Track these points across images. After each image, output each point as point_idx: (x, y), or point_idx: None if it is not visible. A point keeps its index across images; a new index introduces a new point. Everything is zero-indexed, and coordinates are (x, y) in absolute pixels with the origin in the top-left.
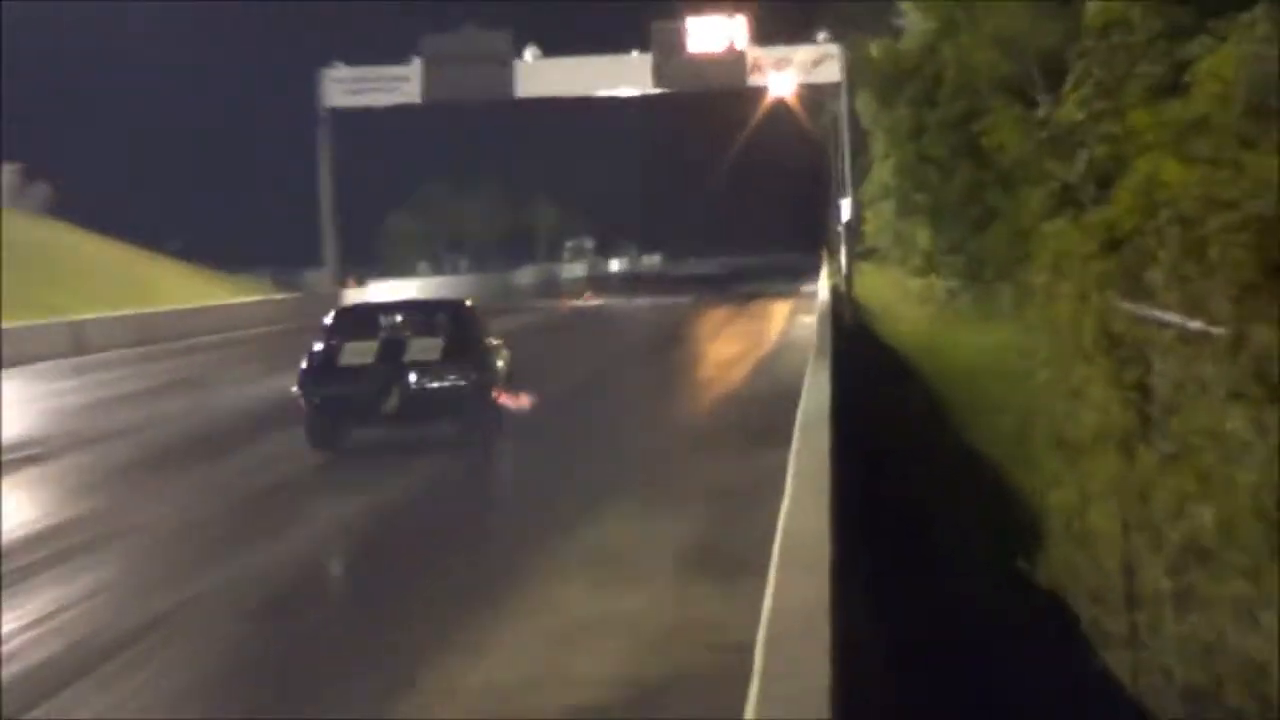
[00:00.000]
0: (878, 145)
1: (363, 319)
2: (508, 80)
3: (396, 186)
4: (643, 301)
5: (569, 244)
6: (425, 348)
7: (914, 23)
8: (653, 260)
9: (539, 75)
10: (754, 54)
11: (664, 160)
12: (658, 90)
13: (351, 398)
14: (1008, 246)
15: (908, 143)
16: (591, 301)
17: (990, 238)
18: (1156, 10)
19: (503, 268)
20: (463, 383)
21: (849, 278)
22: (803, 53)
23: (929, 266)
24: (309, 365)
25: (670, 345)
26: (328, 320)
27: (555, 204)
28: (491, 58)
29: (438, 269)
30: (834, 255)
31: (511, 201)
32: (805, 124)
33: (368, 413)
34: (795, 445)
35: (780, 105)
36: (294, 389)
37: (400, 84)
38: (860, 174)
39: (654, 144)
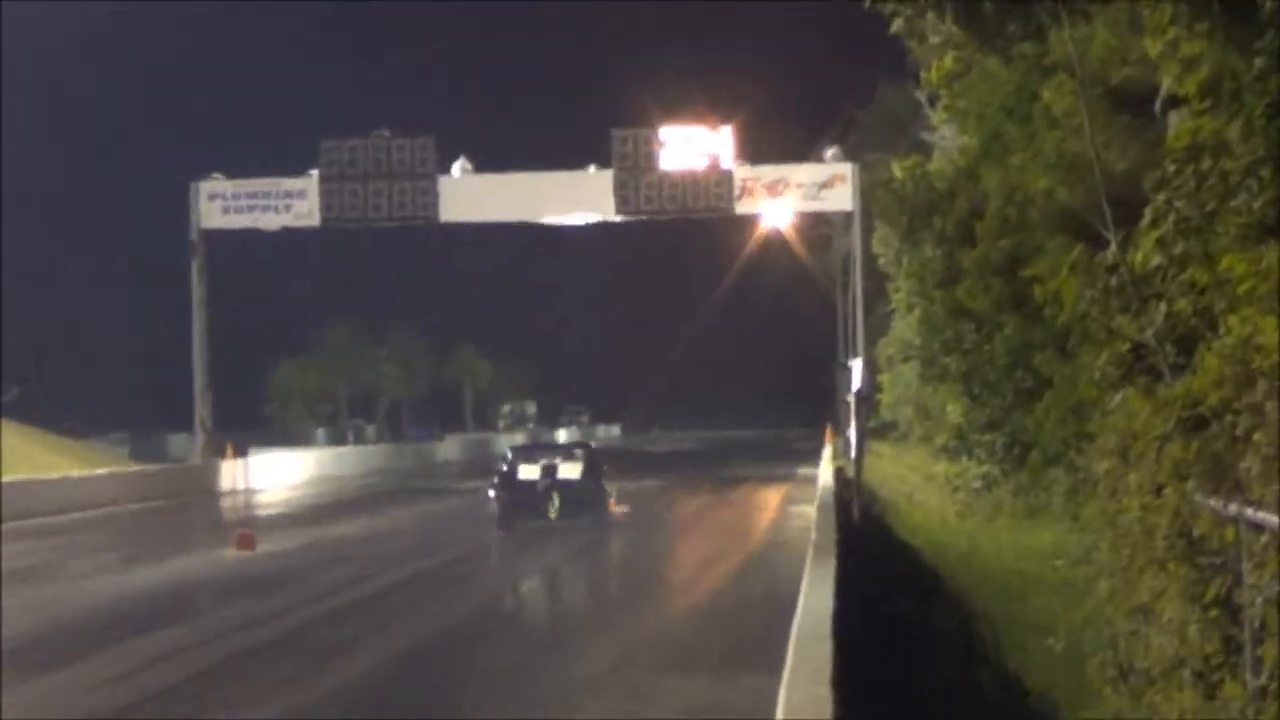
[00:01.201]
0: (899, 293)
1: (530, 450)
2: (430, 200)
3: (288, 331)
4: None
5: (506, 408)
6: (570, 470)
7: (949, 139)
8: (611, 432)
9: (469, 195)
10: (744, 174)
11: (627, 307)
12: (620, 218)
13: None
14: (1061, 424)
15: (938, 290)
16: None
17: (1039, 413)
18: (1259, 129)
19: (424, 437)
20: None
21: (859, 459)
22: (805, 173)
23: (961, 447)
24: (500, 480)
25: (633, 542)
26: (508, 453)
27: (488, 357)
28: (409, 172)
29: (338, 437)
30: (840, 431)
31: (433, 352)
32: (807, 264)
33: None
34: (788, 673)
35: (776, 239)
36: (490, 493)
37: (293, 201)
38: (876, 329)
39: (615, 286)
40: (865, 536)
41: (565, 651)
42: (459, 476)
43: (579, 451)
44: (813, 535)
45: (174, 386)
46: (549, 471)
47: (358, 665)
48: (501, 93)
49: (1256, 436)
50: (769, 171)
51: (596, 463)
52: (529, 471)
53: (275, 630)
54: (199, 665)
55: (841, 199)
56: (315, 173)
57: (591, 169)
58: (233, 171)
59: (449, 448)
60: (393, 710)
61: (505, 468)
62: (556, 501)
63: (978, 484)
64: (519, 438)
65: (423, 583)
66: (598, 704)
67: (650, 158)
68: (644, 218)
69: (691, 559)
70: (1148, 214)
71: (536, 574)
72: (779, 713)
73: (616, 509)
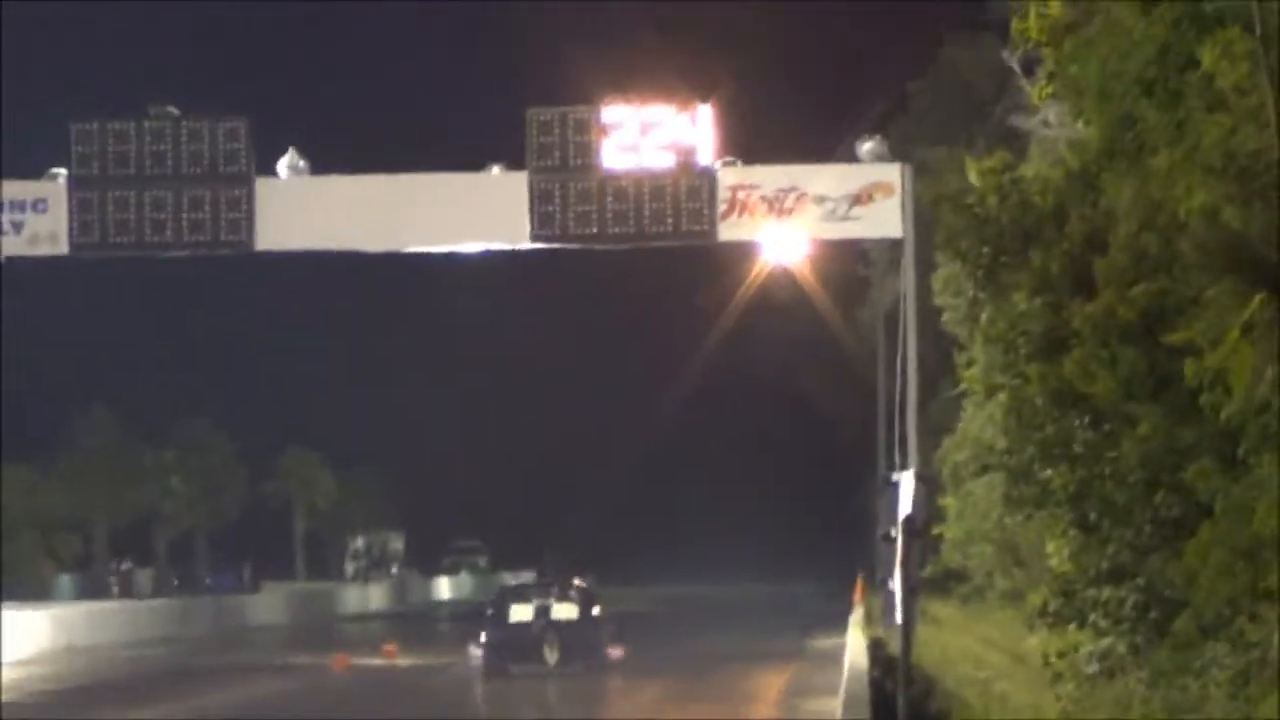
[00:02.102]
0: (974, 368)
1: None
2: (241, 216)
3: (16, 424)
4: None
5: (358, 544)
6: (566, 610)
7: (1055, 126)
8: (524, 579)
9: (303, 209)
10: (732, 179)
11: (549, 389)
12: (538, 245)
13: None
14: (1226, 574)
15: (1035, 364)
16: (396, 659)
17: (1192, 556)
18: None
19: (228, 586)
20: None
21: (909, 628)
22: (829, 178)
23: (1069, 609)
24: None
25: None
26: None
27: (331, 466)
28: (209, 172)
29: (94, 588)
30: (879, 582)
31: (246, 458)
32: (831, 322)
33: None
34: None
35: (782, 282)
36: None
37: (28, 217)
38: (938, 424)
39: (528, 356)
40: None
41: None
42: (285, 646)
43: (574, 591)
44: None
45: None
46: (543, 612)
47: None
48: (356, 55)
49: None
50: (772, 175)
51: (593, 600)
52: (521, 613)
53: None
54: None
55: (885, 220)
56: (62, 173)
57: (495, 170)
58: None
59: (268, 603)
60: None
61: (492, 610)
62: (554, 645)
63: (1095, 667)
64: (377, 590)
65: None
66: None
67: (587, 153)
68: (575, 247)
69: None
70: None
71: None
72: None
73: (614, 652)
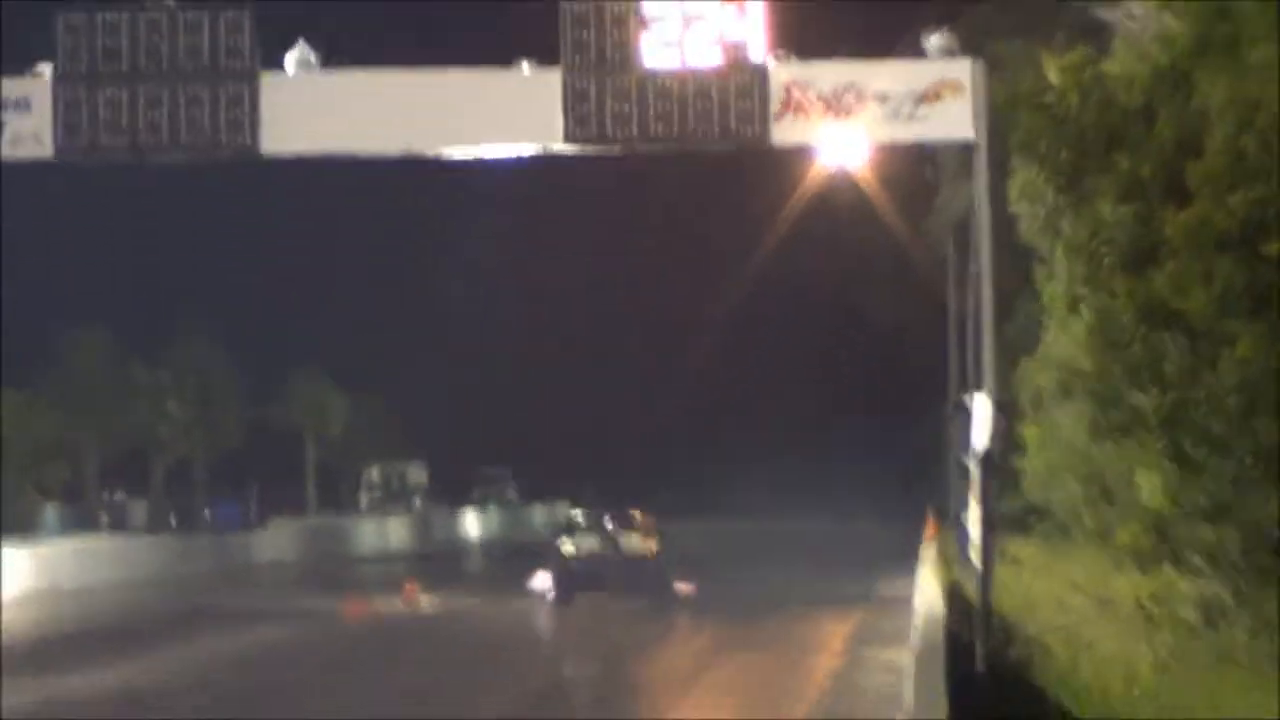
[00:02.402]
0: (1054, 283)
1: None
2: (245, 116)
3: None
4: (527, 605)
5: (373, 474)
6: (632, 540)
7: (1141, 17)
8: (559, 513)
9: (313, 107)
10: (787, 76)
11: (586, 308)
12: (573, 150)
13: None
14: None
15: (1122, 278)
16: (418, 602)
17: None
18: None
19: (231, 520)
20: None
21: (987, 569)
22: (892, 75)
23: (1163, 549)
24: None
25: (584, 708)
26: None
27: (344, 388)
28: (209, 68)
29: (85, 521)
30: (953, 519)
31: (249, 380)
32: (896, 232)
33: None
34: None
35: (843, 189)
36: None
37: (14, 117)
38: (1015, 344)
39: (564, 270)
40: (998, 703)
41: None
42: (293, 587)
43: (639, 523)
44: (906, 702)
45: None
46: (611, 544)
47: None
48: None
49: None
50: (830, 72)
51: (657, 533)
52: (589, 544)
53: None
54: None
55: (955, 121)
56: (47, 69)
57: (525, 67)
58: None
59: (276, 539)
60: None
61: (558, 540)
62: (622, 578)
63: (1192, 614)
64: (396, 522)
65: None
66: None
67: (625, 49)
68: (614, 150)
69: None
70: None
71: None
72: None
73: (684, 587)
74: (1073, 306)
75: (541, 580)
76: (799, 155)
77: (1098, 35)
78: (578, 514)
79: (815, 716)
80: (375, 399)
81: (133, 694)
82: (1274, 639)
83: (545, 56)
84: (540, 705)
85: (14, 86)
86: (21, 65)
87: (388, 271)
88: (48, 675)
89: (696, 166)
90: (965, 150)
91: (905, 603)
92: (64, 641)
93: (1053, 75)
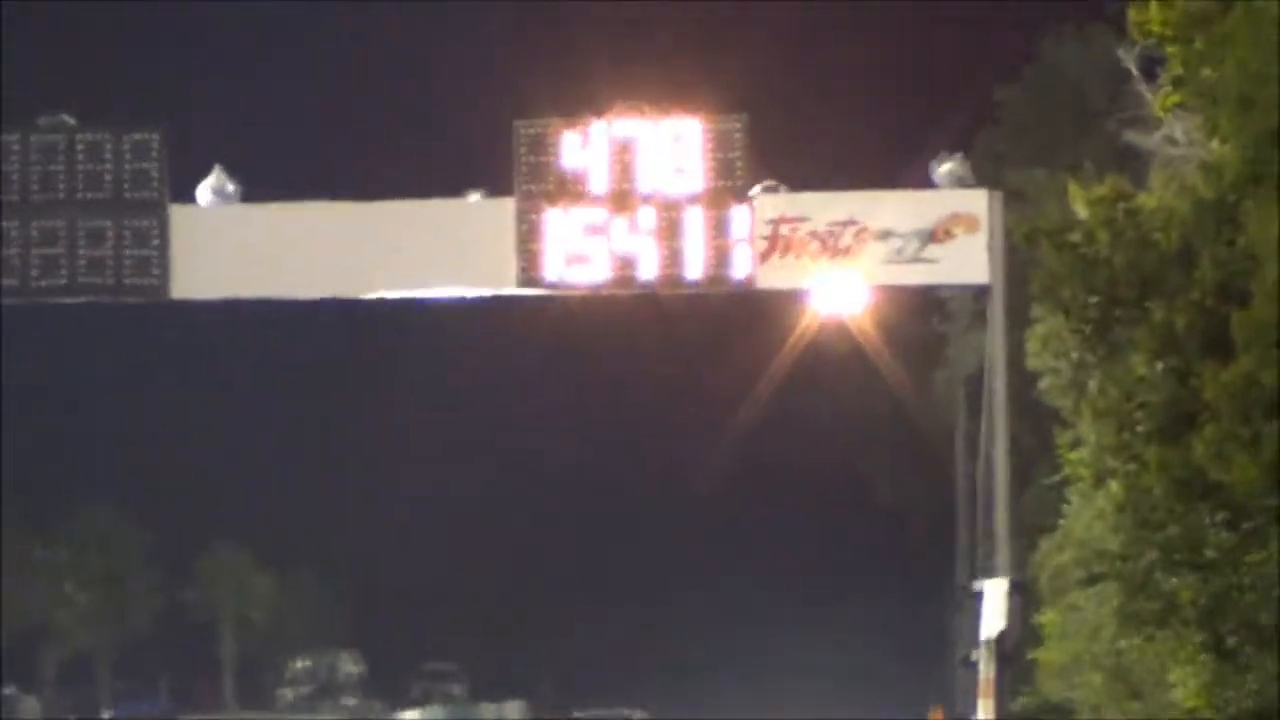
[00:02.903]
0: (1079, 450)
1: None
2: (153, 254)
3: None
4: None
5: (299, 665)
6: None
7: (1184, 142)
8: (509, 713)
9: (230, 244)
10: (774, 209)
11: (547, 478)
12: (527, 292)
13: None
14: None
15: (1155, 445)
16: None
17: None
18: None
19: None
20: None
21: None
22: (896, 209)
23: None
24: None
25: None
26: None
27: (269, 567)
28: (115, 196)
29: None
30: (961, 716)
31: (161, 555)
32: (898, 390)
33: None
34: None
35: (838, 340)
36: None
37: None
38: (1033, 519)
39: (521, 432)
40: None
41: None
42: None
43: None
44: None
45: None
46: None
47: None
48: (296, 59)
49: None
50: (824, 205)
51: None
52: None
53: None
54: None
55: (967, 261)
56: None
57: (474, 197)
58: None
59: None
60: None
61: None
62: None
63: None
64: None
65: None
66: None
67: (588, 176)
68: (575, 295)
69: None
70: None
71: None
72: None
73: None
74: (1100, 477)
75: None
76: (789, 301)
77: (1132, 164)
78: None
79: None
80: (304, 578)
81: None
82: None
83: (497, 182)
84: None
85: None
86: None
87: (319, 432)
88: None
89: (674, 310)
90: (979, 296)
91: None
92: None
93: (1080, 209)
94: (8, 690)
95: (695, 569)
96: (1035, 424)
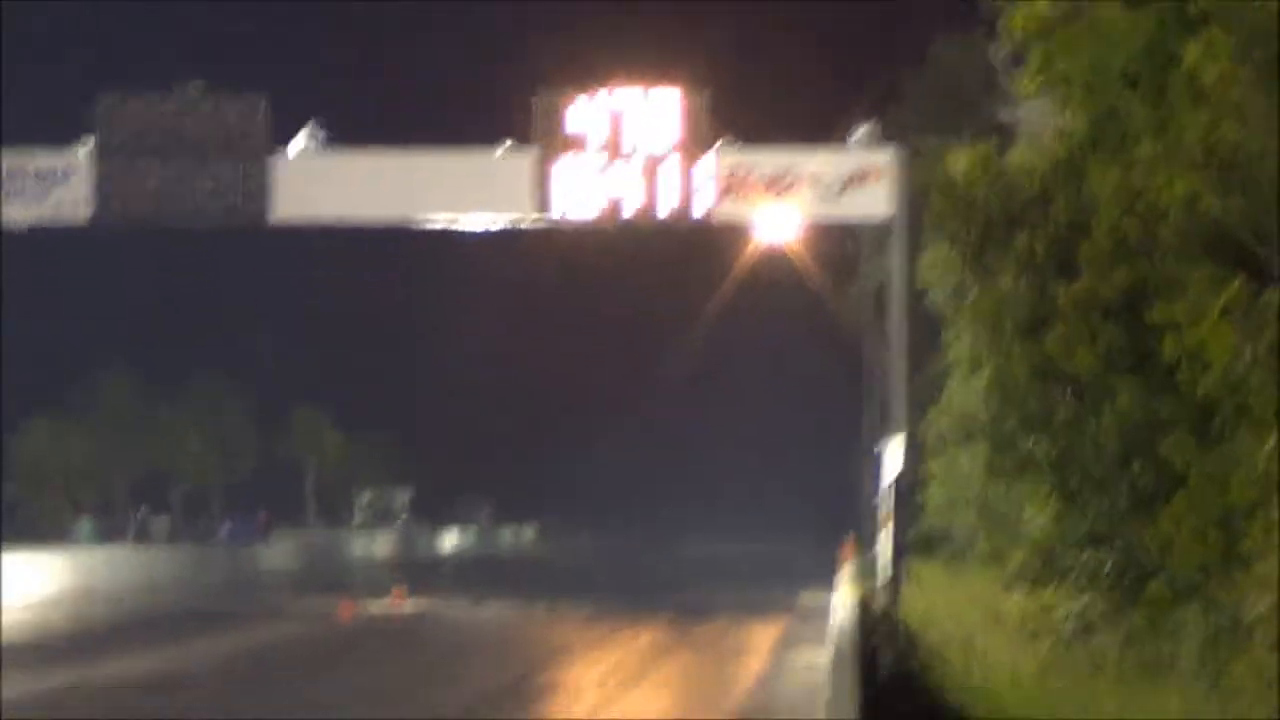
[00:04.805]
0: (959, 343)
1: None
2: (258, 188)
3: (41, 380)
4: (497, 610)
5: (365, 497)
6: None
7: (1040, 119)
8: (523, 535)
9: (318, 182)
10: (730, 161)
11: (550, 357)
12: (543, 222)
13: None
14: (1198, 540)
15: (1019, 340)
16: (403, 606)
17: (1166, 523)
18: None
19: (243, 535)
20: None
21: (894, 586)
22: (823, 162)
23: (1047, 571)
24: None
25: (538, 699)
26: None
27: (341, 426)
28: (229, 145)
29: (113, 534)
30: (867, 544)
31: (259, 418)
32: (823, 299)
33: None
34: None
35: (777, 262)
36: None
37: (54, 186)
38: (923, 396)
39: (533, 325)
40: (901, 703)
41: None
42: (294, 592)
43: None
44: (822, 700)
45: None
46: None
47: None
48: (375, 38)
49: None
50: (768, 159)
51: None
52: None
53: None
54: None
55: (876, 202)
56: (89, 143)
57: (499, 152)
58: None
59: (280, 552)
60: None
61: None
62: None
63: (1071, 626)
64: (384, 538)
65: None
66: None
67: (590, 133)
68: (579, 223)
69: None
70: None
71: None
72: None
73: None
74: (975, 364)
75: None
76: (737, 233)
77: (1003, 134)
78: None
79: (743, 714)
80: (369, 433)
81: (156, 680)
82: (1139, 649)
83: (522, 135)
84: (500, 699)
85: (56, 159)
86: (61, 140)
87: (380, 326)
88: (82, 665)
89: (648, 236)
90: (884, 228)
91: (826, 613)
92: (95, 636)
93: (962, 164)
94: (143, 512)
95: (665, 434)
96: (926, 325)
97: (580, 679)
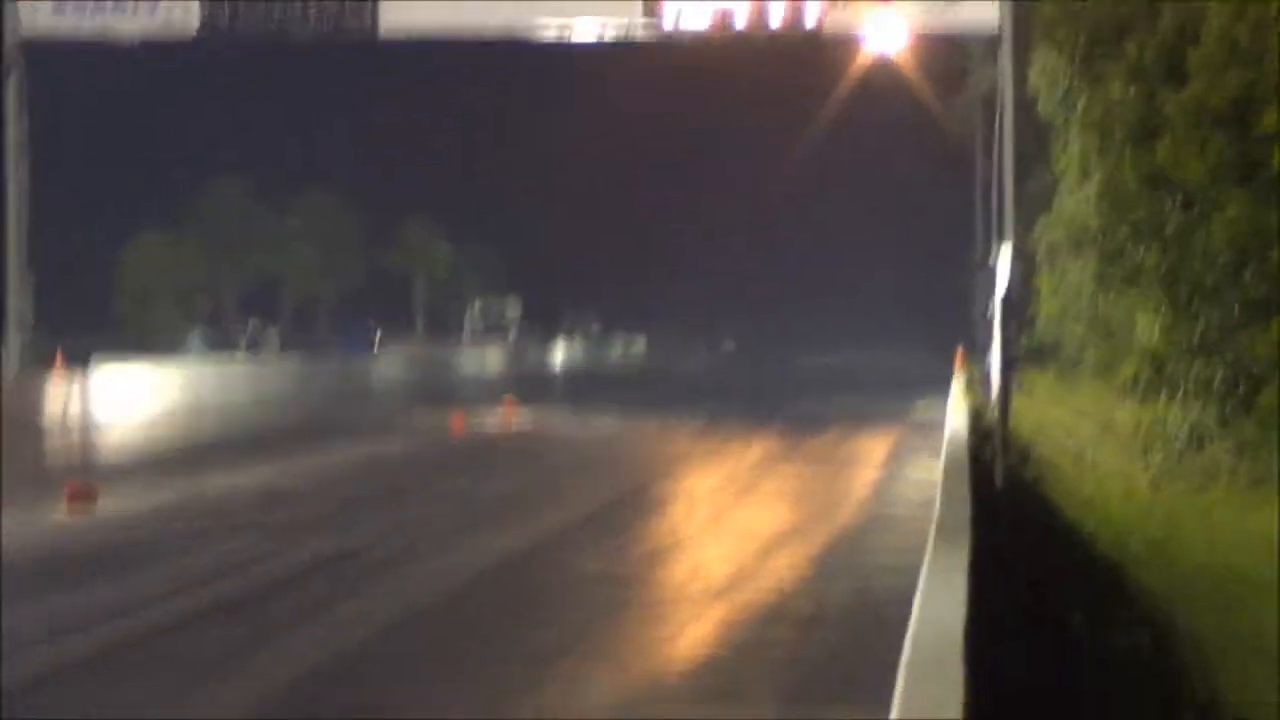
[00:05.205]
0: (1068, 153)
1: None
2: (365, 2)
3: (151, 191)
4: (610, 423)
5: (475, 308)
6: None
7: None
8: (633, 348)
9: None
10: None
11: (661, 170)
12: (649, 29)
13: None
14: None
15: (1129, 149)
16: (514, 420)
17: (1277, 332)
18: None
19: (352, 347)
20: None
21: (1005, 398)
22: None
23: (1158, 382)
24: None
25: (655, 509)
26: None
27: (451, 237)
28: None
29: (224, 346)
30: (977, 355)
31: (369, 229)
32: (931, 111)
33: None
34: (896, 710)
35: (883, 74)
36: None
37: (164, 2)
38: (1033, 206)
39: (641, 137)
40: (1013, 513)
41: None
42: (405, 405)
43: None
44: (935, 507)
45: None
46: None
47: (241, 693)
48: None
49: None
50: None
51: None
52: None
53: (122, 633)
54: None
55: (984, 10)
56: None
57: None
58: None
59: (390, 364)
60: None
61: None
62: None
63: (1182, 438)
64: (494, 350)
65: (346, 566)
66: None
67: None
68: (690, 33)
69: (741, 544)
70: None
71: (501, 561)
72: None
73: None
74: (1084, 173)
75: None
76: (843, 45)
77: None
78: None
79: (857, 520)
80: (478, 245)
81: (267, 493)
82: (1251, 460)
83: None
84: (614, 510)
85: None
86: None
87: (487, 140)
88: (193, 476)
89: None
90: (992, 39)
91: (938, 424)
92: (206, 449)
93: None
94: (254, 323)
95: (775, 247)
96: (1035, 135)
97: (693, 490)
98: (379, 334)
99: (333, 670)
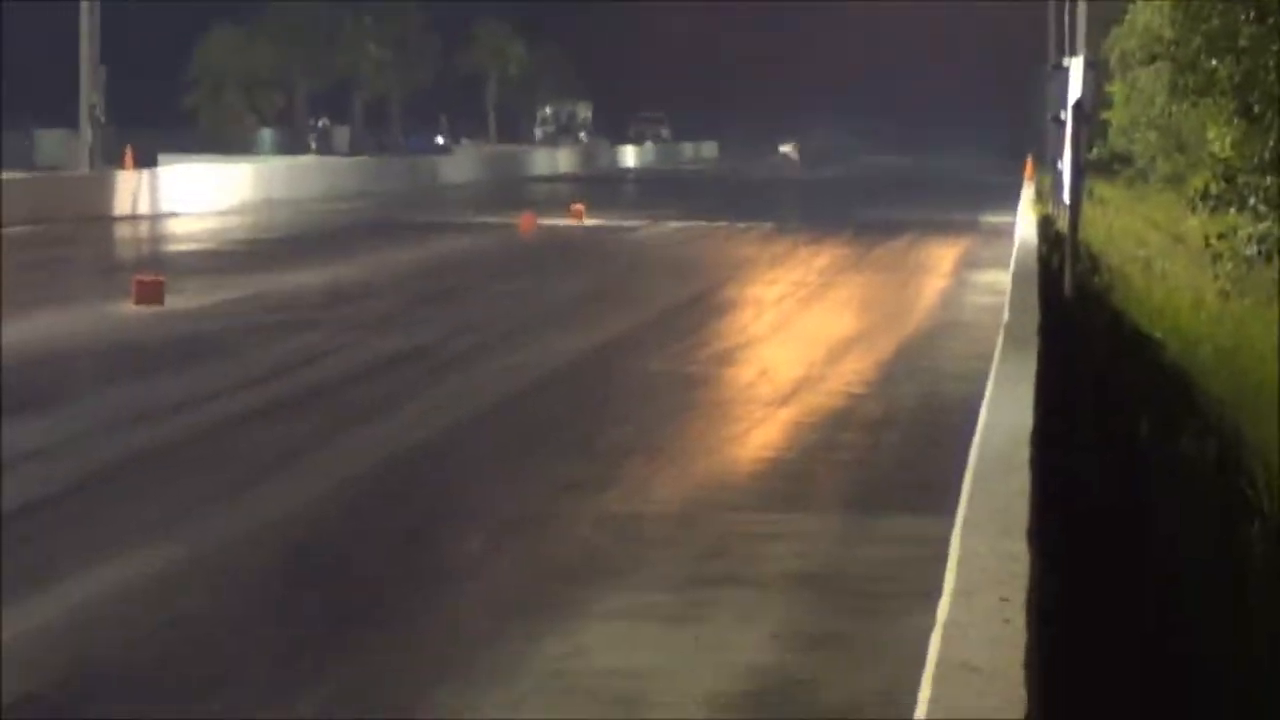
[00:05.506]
0: None
1: None
2: None
3: None
4: (678, 226)
5: (547, 111)
6: None
7: None
8: (704, 152)
9: None
10: None
11: None
12: None
13: None
14: None
15: None
16: (583, 220)
17: None
18: None
19: (422, 147)
20: None
21: (1075, 207)
22: None
23: (1229, 194)
24: None
25: (724, 313)
26: None
27: (524, 38)
28: None
29: (294, 143)
30: (1049, 164)
31: (441, 28)
32: None
33: None
34: (962, 520)
35: None
36: None
37: None
38: (1105, 15)
39: None
40: (1082, 321)
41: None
42: (475, 205)
43: None
44: (1004, 315)
45: (44, 62)
46: None
47: (305, 488)
48: None
49: None
50: None
51: None
52: None
53: (187, 426)
54: (69, 475)
55: None
56: None
57: None
58: None
59: (460, 163)
60: (354, 571)
61: None
62: None
63: (1252, 249)
64: (565, 152)
65: (413, 364)
66: (667, 554)
67: None
68: None
69: (811, 348)
70: None
71: (569, 361)
72: (948, 579)
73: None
74: None
75: None
76: None
77: None
78: None
79: (926, 325)
80: (551, 46)
81: (333, 290)
82: None
83: None
84: (679, 314)
85: None
86: None
87: None
88: (261, 273)
89: None
90: None
91: (1008, 233)
92: (274, 245)
93: None
94: (324, 122)
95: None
96: None
97: (761, 296)
98: (445, 132)
99: (397, 467)
